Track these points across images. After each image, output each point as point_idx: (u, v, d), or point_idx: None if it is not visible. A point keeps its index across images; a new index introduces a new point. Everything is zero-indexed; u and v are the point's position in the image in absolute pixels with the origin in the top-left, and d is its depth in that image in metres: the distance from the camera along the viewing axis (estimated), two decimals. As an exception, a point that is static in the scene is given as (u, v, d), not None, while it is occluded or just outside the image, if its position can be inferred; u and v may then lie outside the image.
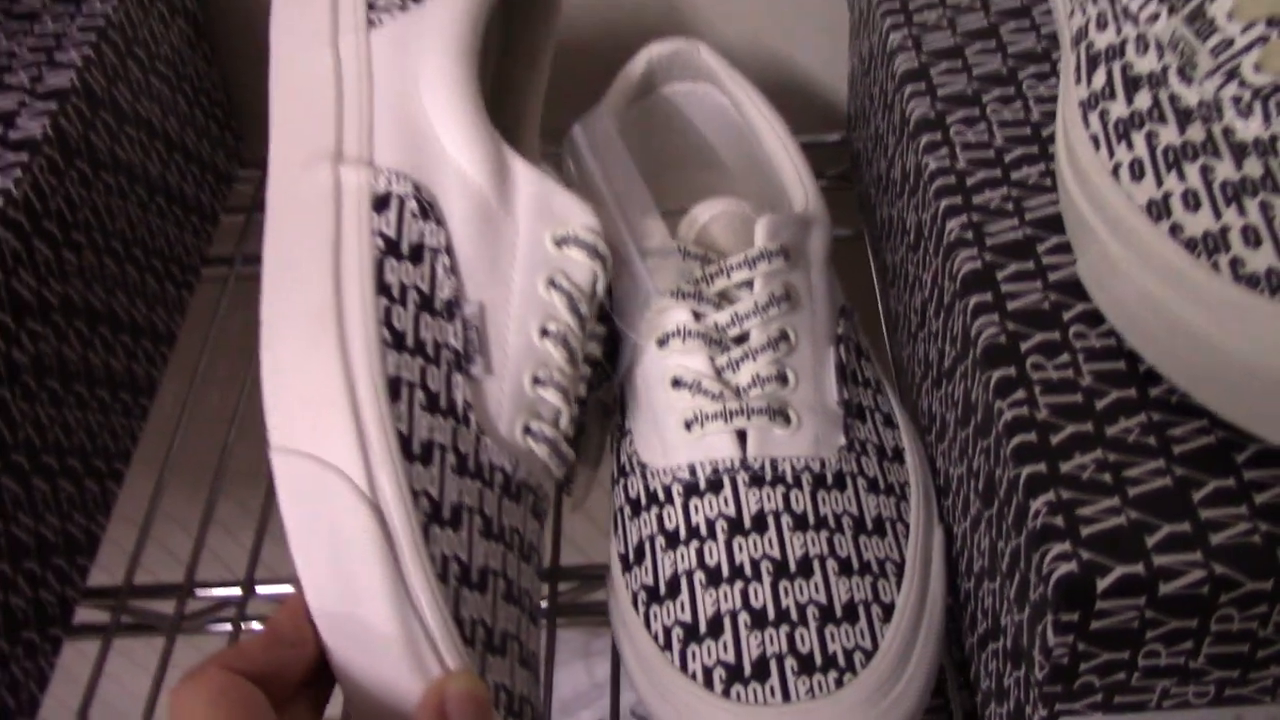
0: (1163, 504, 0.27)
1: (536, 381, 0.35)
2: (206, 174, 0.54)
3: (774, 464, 0.36)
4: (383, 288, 0.33)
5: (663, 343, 0.38)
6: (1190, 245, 0.29)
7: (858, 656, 0.33)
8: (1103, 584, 0.26)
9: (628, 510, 0.38)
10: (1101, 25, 0.34)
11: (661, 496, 0.37)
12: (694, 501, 0.36)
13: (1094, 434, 0.29)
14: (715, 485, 0.36)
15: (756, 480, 0.36)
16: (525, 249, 0.35)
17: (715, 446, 0.37)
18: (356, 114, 0.35)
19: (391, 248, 0.34)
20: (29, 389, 0.39)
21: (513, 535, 0.34)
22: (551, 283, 0.35)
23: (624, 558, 0.37)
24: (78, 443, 0.42)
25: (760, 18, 0.58)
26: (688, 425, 0.37)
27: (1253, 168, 0.29)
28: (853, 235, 0.53)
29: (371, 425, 0.30)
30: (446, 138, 0.35)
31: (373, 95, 0.36)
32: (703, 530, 0.36)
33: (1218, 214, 0.29)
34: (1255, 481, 0.28)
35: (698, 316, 0.38)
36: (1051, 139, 0.37)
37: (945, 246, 0.35)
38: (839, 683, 0.33)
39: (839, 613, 0.34)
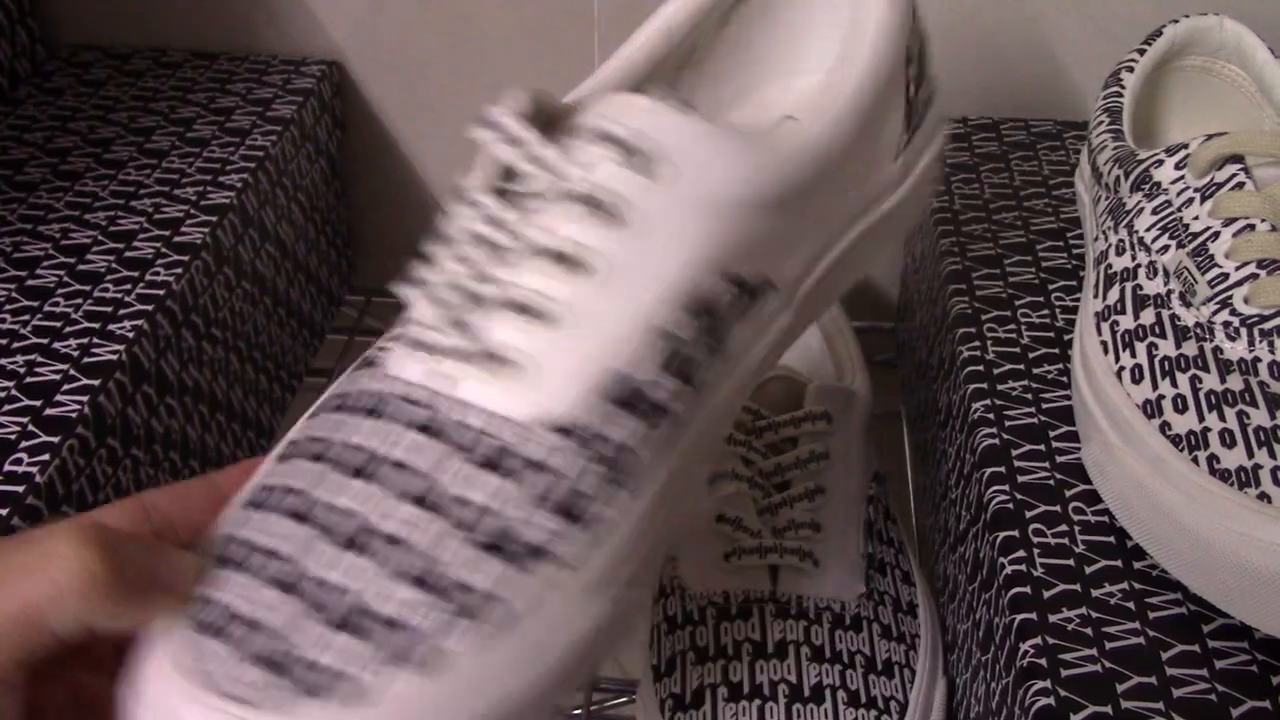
0: (1134, 659, 0.32)
1: (414, 284, 0.29)
2: (321, 295, 0.61)
3: (799, 600, 0.41)
4: None
5: (713, 481, 0.43)
6: (1176, 441, 0.34)
7: (858, 779, 0.37)
8: (1075, 719, 0.30)
9: (664, 626, 0.42)
10: (1120, 251, 0.40)
11: (696, 617, 0.41)
12: (725, 624, 0.40)
13: (1081, 593, 0.33)
14: (745, 612, 0.41)
15: (782, 612, 0.40)
16: None
17: (749, 579, 0.41)
18: None
19: None
20: (157, 457, 0.44)
21: (352, 453, 0.27)
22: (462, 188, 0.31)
23: (656, 668, 0.41)
24: (184, 511, 0.47)
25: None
26: (727, 556, 0.42)
27: (1234, 382, 0.34)
28: (892, 415, 0.58)
29: None
30: None
31: None
32: (730, 651, 0.40)
33: (1201, 417, 0.34)
34: (1217, 650, 0.32)
35: (747, 463, 0.43)
36: (1071, 343, 0.42)
37: (969, 425, 0.40)
38: (838, 799, 0.36)
39: (844, 738, 0.38)
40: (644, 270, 0.28)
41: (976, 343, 0.43)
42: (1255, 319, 0.35)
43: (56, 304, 0.43)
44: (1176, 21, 0.46)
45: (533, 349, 0.27)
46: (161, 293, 0.44)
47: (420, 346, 0.28)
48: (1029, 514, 0.36)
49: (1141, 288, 0.38)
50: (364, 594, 0.25)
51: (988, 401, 0.40)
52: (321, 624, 0.25)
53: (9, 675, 0.24)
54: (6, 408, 0.39)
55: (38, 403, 0.39)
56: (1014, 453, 0.38)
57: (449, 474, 0.26)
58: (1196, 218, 0.38)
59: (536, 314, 0.27)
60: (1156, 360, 0.36)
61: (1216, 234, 0.37)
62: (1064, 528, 0.35)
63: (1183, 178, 0.39)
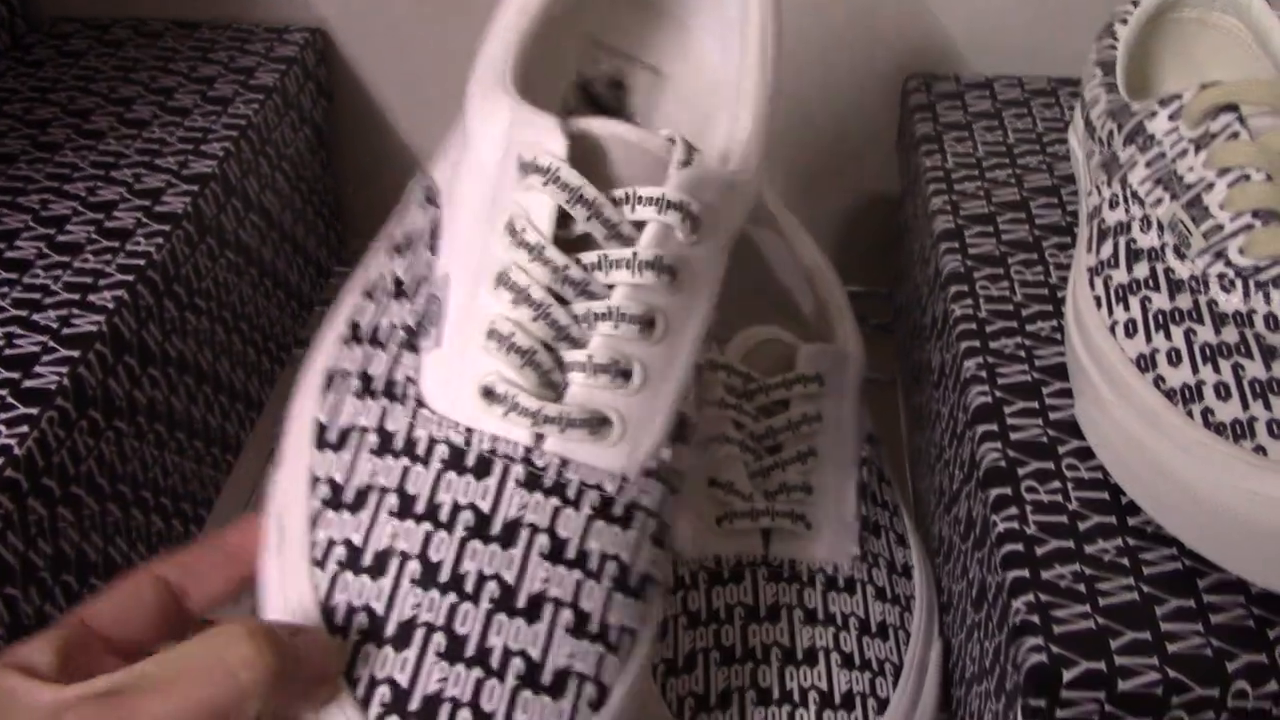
0: (1128, 614, 0.31)
1: (491, 338, 0.29)
2: (309, 266, 0.60)
3: (792, 564, 0.40)
4: (366, 288, 0.33)
5: (704, 446, 0.42)
6: (1170, 395, 0.33)
7: (852, 741, 0.37)
8: (1069, 675, 0.30)
9: (656, 593, 0.42)
10: (1114, 205, 0.39)
11: (688, 581, 0.41)
12: (717, 589, 0.40)
13: (1074, 550, 0.33)
14: (738, 576, 0.40)
15: (775, 576, 0.40)
16: (497, 193, 0.31)
17: (741, 542, 0.41)
18: None
19: (396, 249, 0.33)
20: (141, 429, 0.44)
21: (458, 511, 0.29)
22: (510, 227, 0.30)
23: (649, 635, 0.41)
24: (171, 484, 0.46)
25: (825, 179, 0.64)
26: (719, 520, 0.41)
27: (1230, 335, 0.33)
28: (888, 380, 0.57)
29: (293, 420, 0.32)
30: (468, 108, 0.33)
31: None
32: (722, 614, 0.39)
33: (1195, 370, 0.33)
34: (1213, 604, 0.31)
35: (738, 426, 0.42)
36: (1065, 299, 0.42)
37: (961, 383, 0.39)
38: (832, 762, 0.36)
39: (838, 700, 0.37)
40: (689, 319, 0.31)
41: (969, 300, 0.42)
42: (1251, 270, 0.34)
43: (36, 275, 0.42)
44: (1171, -28, 0.45)
45: (618, 405, 0.30)
46: (142, 263, 0.43)
47: (514, 408, 0.29)
48: (1021, 471, 0.35)
49: (1135, 241, 0.37)
50: (532, 652, 0.28)
51: (980, 359, 0.39)
52: (507, 689, 0.27)
53: None
54: (-15, 380, 0.38)
55: (16, 375, 0.38)
56: (1006, 410, 0.38)
57: (567, 528, 0.29)
58: (1191, 169, 0.37)
59: (619, 372, 0.30)
60: (1150, 314, 0.35)
61: (1211, 185, 0.36)
62: (1057, 484, 0.35)
63: (1176, 129, 0.38)
